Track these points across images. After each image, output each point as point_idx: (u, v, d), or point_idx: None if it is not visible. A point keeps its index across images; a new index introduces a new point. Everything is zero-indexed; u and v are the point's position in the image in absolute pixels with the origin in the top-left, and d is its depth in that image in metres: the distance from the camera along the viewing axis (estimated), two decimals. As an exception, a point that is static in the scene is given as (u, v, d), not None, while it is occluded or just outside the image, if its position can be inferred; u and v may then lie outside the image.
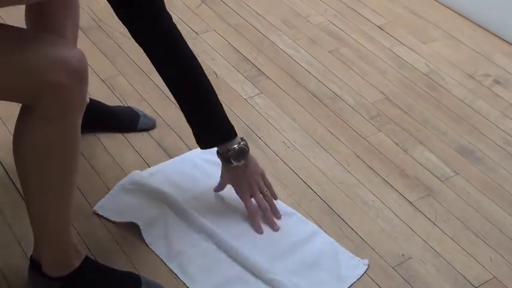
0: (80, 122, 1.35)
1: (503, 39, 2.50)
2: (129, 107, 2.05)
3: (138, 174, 1.83)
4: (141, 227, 1.68)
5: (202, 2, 2.56)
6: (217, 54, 2.29)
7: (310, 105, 2.15)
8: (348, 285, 1.62)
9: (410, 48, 2.42)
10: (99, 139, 1.93)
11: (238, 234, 1.71)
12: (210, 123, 1.64)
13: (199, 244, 1.68)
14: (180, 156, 1.92)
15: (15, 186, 1.77)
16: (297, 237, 1.72)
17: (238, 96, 2.17)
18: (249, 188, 1.71)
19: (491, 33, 2.53)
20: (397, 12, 2.62)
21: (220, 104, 1.62)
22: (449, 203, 1.85)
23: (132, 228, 1.69)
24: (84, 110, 1.35)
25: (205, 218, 1.73)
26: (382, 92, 2.21)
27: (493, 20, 2.53)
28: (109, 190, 1.78)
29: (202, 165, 1.88)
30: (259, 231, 1.72)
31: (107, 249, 1.65)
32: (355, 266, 1.67)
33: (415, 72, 2.31)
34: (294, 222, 1.76)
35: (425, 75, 2.30)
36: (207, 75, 1.59)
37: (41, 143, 1.31)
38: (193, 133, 1.65)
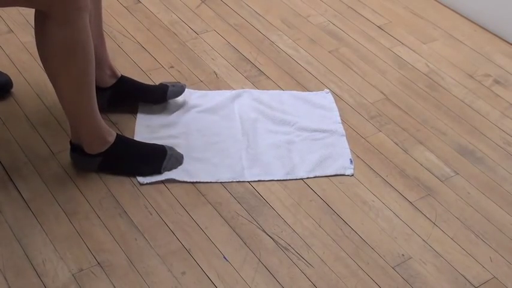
0: (87, 20, 1.58)
1: (503, 39, 2.50)
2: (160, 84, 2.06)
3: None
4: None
5: (202, 2, 2.56)
6: (217, 54, 2.29)
7: (310, 105, 2.15)
8: (337, 112, 2.09)
9: (411, 48, 2.42)
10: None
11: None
12: None
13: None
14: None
15: (15, 186, 1.77)
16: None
17: (238, 96, 2.17)
18: None
19: (491, 33, 2.53)
20: (397, 12, 2.61)
21: None
22: (449, 203, 1.85)
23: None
24: (88, 9, 1.56)
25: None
26: (382, 92, 2.21)
27: (493, 20, 2.53)
28: (109, 190, 1.78)
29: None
30: None
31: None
32: (324, 97, 2.15)
33: (415, 72, 2.31)
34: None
35: (425, 75, 2.30)
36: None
37: (62, 44, 1.56)
38: None
